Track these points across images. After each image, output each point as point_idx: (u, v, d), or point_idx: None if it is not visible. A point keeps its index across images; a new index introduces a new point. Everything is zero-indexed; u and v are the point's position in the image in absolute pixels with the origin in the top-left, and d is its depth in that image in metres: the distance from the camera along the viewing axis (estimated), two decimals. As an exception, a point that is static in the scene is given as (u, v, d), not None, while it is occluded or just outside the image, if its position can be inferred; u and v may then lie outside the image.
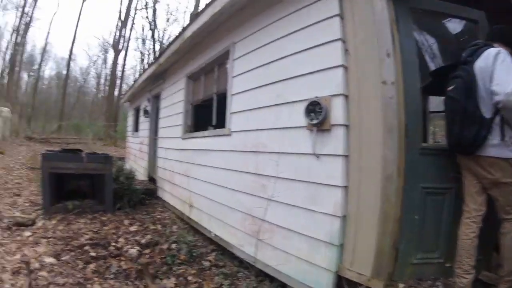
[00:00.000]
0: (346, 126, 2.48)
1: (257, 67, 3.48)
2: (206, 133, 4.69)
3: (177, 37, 5.53)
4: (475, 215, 2.29)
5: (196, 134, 5.09)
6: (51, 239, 4.22)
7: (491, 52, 2.17)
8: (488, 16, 2.82)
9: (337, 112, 2.51)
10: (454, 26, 3.03)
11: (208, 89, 4.95)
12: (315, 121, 2.55)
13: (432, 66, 2.80)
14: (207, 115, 4.94)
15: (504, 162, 2.15)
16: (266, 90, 3.29)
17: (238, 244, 3.63)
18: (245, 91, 3.68)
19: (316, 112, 2.56)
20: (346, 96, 2.50)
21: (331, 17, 2.64)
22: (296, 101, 2.87)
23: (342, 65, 2.51)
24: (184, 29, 5.16)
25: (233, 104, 3.92)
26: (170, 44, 5.93)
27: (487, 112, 2.14)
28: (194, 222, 4.92)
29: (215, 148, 4.31)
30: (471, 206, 2.32)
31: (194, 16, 4.73)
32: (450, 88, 2.35)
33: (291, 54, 3.00)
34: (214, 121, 4.64)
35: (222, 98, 4.27)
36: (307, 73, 2.79)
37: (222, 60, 4.46)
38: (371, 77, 2.41)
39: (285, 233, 2.96)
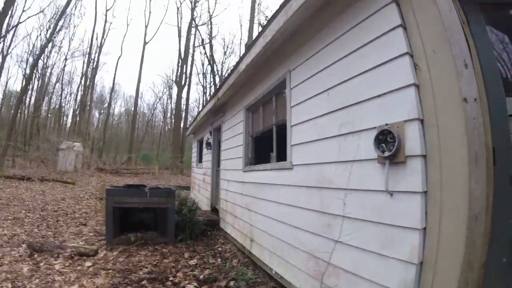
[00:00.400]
0: (424, 156, 2.10)
1: (316, 95, 3.25)
2: (267, 166, 4.50)
3: (232, 71, 5.55)
4: None
5: (256, 167, 4.93)
6: (110, 271, 4.30)
7: None
8: None
9: (412, 141, 2.15)
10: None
11: (267, 121, 4.80)
12: (387, 153, 2.21)
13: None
14: (267, 147, 4.78)
15: None
16: (328, 119, 3.02)
17: (300, 286, 3.33)
18: (305, 121, 3.44)
19: (388, 143, 2.23)
20: (421, 121, 2.14)
21: (392, 29, 2.33)
22: (363, 130, 2.55)
23: (413, 84, 2.16)
24: (238, 62, 5.15)
25: (294, 136, 3.69)
26: (227, 78, 5.98)
27: None
28: (254, 257, 4.71)
29: (276, 182, 4.09)
30: None
31: (247, 47, 4.68)
32: None
33: (352, 78, 2.72)
34: (274, 154, 4.44)
35: (282, 130, 4.08)
36: (373, 97, 2.48)
37: (279, 90, 4.31)
38: (448, 95, 2.03)
39: (352, 279, 2.60)
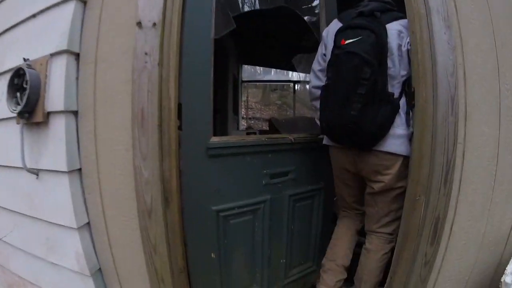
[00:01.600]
0: (74, 113, 1.30)
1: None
2: None
3: None
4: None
5: None
6: None
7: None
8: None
9: (56, 87, 1.28)
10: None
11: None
12: (19, 108, 1.29)
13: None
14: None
15: (404, 160, 1.44)
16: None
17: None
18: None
19: (23, 91, 1.32)
20: (77, 56, 1.31)
21: None
22: (9, 71, 1.52)
23: (74, -3, 1.29)
24: None
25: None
26: None
27: (394, 88, 1.42)
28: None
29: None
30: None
31: None
32: (350, 40, 1.38)
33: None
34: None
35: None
36: (30, 17, 1.48)
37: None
38: (121, 15, 1.26)
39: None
